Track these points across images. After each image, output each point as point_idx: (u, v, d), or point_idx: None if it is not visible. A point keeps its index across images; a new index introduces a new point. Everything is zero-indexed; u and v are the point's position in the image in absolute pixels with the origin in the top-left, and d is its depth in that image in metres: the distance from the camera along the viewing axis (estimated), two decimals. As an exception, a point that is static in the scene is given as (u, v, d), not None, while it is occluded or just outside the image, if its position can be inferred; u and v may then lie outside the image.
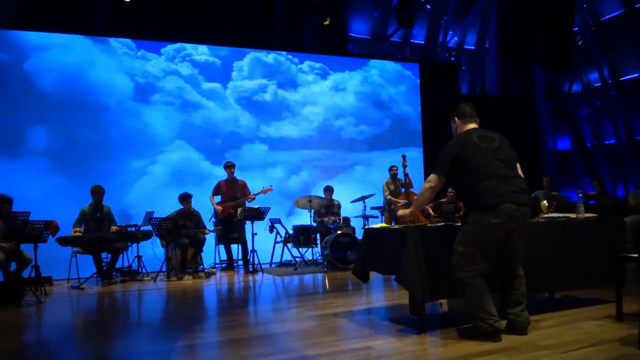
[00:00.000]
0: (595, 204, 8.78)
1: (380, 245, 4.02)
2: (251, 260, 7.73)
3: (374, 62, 11.16)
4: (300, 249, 8.33)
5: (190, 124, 9.28)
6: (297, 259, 8.28)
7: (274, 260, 8.54)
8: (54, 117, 8.43)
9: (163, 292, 6.26)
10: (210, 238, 8.14)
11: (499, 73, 14.36)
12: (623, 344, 3.12)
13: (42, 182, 8.15)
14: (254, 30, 10.55)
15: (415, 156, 10.82)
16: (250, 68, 9.93)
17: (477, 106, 3.75)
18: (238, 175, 8.39)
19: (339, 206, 8.83)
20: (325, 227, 8.37)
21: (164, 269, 7.44)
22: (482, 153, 3.37)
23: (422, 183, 3.78)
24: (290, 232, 8.37)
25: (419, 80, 11.38)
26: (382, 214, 8.54)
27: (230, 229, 8.05)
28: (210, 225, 8.14)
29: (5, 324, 4.62)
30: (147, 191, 8.80)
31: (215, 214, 8.17)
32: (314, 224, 8.47)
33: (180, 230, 7.47)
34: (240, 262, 8.23)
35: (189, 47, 9.51)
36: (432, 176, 3.55)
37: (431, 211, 7.93)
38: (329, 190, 8.81)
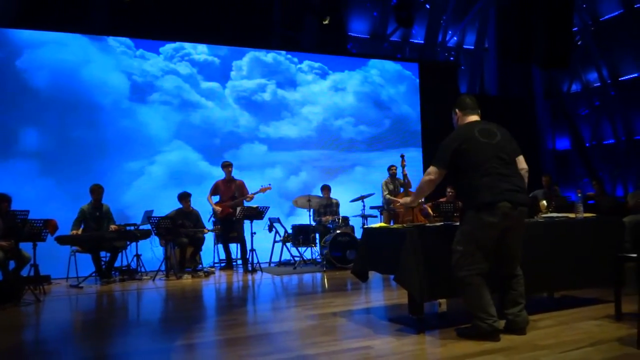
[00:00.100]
0: (594, 203, 8.79)
1: (379, 245, 4.02)
2: (250, 259, 7.73)
3: (373, 62, 11.15)
4: (299, 249, 8.33)
5: (188, 124, 9.26)
6: (296, 259, 8.28)
7: (273, 260, 8.54)
8: (47, 116, 8.31)
9: (162, 291, 6.26)
10: (210, 237, 8.13)
11: (498, 73, 14.38)
12: (622, 344, 3.12)
13: (34, 183, 8.01)
14: (253, 30, 10.54)
15: (415, 156, 10.81)
16: (250, 68, 9.92)
17: (476, 106, 3.74)
18: (237, 175, 8.39)
19: (337, 205, 8.83)
20: (324, 227, 8.37)
21: (163, 268, 7.44)
22: (483, 149, 3.34)
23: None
24: (290, 231, 8.37)
25: (418, 80, 11.38)
26: (381, 214, 8.54)
27: (229, 228, 8.04)
28: (209, 226, 8.13)
29: (4, 322, 4.61)
30: (145, 191, 8.75)
31: (214, 214, 8.16)
32: (313, 224, 8.47)
33: (179, 230, 7.46)
34: (240, 262, 8.23)
35: (188, 47, 9.49)
36: (431, 169, 3.50)
37: (430, 211, 7.94)
38: (326, 189, 8.81)
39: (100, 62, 8.77)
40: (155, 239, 7.62)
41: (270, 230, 8.30)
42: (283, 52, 10.26)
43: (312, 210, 8.45)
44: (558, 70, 14.09)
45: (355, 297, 5.45)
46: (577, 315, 3.96)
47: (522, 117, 12.91)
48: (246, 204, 8.06)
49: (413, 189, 7.63)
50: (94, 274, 7.03)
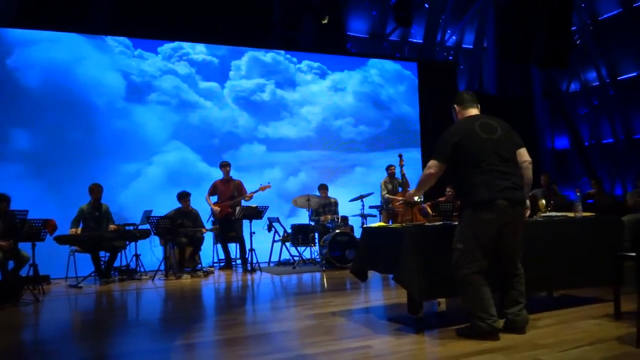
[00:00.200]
0: (593, 203, 8.79)
1: (378, 244, 4.02)
2: (249, 259, 7.73)
3: (373, 62, 11.15)
4: (298, 248, 8.33)
5: (187, 124, 9.23)
6: (296, 258, 8.28)
7: (272, 259, 8.54)
8: (40, 116, 8.20)
9: (161, 291, 6.25)
10: (209, 237, 8.13)
11: (497, 72, 14.37)
12: (621, 343, 3.12)
13: (24, 186, 7.82)
14: (252, 30, 10.52)
15: (415, 156, 10.80)
16: (248, 67, 9.90)
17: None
18: (235, 176, 8.37)
19: (336, 204, 8.83)
20: (324, 226, 8.37)
21: (162, 267, 7.43)
22: (483, 145, 3.32)
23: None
24: (289, 231, 8.37)
25: (417, 80, 11.38)
26: (380, 213, 8.54)
27: (228, 227, 8.04)
28: (209, 226, 8.12)
29: (3, 322, 4.60)
30: (142, 193, 8.69)
31: (213, 214, 8.15)
32: (312, 223, 8.46)
33: (179, 229, 7.46)
34: (239, 261, 8.23)
35: (187, 46, 9.48)
36: (432, 162, 3.46)
37: (429, 210, 7.95)
38: (323, 188, 8.80)
39: (97, 61, 8.70)
40: (154, 239, 7.61)
41: (269, 229, 8.30)
42: (282, 52, 10.26)
43: (310, 209, 8.45)
44: (557, 69, 14.10)
45: (354, 297, 5.45)
46: (576, 314, 3.96)
47: (521, 117, 12.89)
48: (245, 203, 8.05)
49: (411, 189, 7.64)
50: (93, 274, 7.02)
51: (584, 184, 14.68)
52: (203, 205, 8.16)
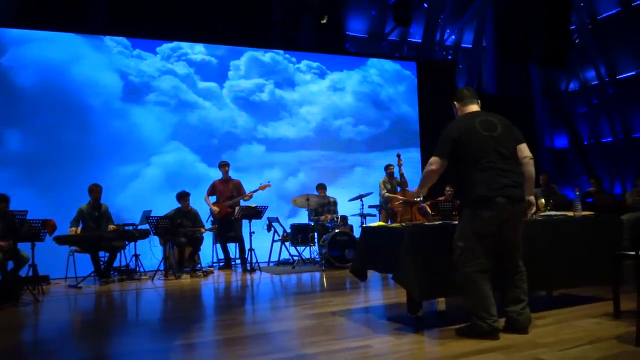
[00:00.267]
0: (593, 201, 8.80)
1: (378, 244, 4.02)
2: (249, 259, 7.72)
3: (372, 62, 11.13)
4: (298, 248, 8.32)
5: (185, 125, 9.19)
6: (295, 258, 8.28)
7: (271, 259, 8.54)
8: (35, 116, 8.11)
9: (161, 291, 6.25)
10: (208, 237, 8.12)
11: (496, 72, 14.38)
12: (620, 342, 3.13)
13: (19, 188, 7.58)
14: (251, 29, 10.52)
15: (414, 156, 10.80)
16: (247, 67, 9.88)
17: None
18: (235, 176, 8.36)
19: (335, 203, 8.82)
20: (323, 226, 8.37)
21: (162, 267, 7.43)
22: (483, 142, 3.31)
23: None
24: (288, 230, 8.37)
25: (417, 80, 11.38)
26: (379, 212, 8.54)
27: (228, 227, 8.03)
28: (208, 226, 8.11)
29: (2, 323, 4.60)
30: (141, 194, 8.63)
31: (212, 214, 8.14)
32: (311, 223, 8.46)
33: (178, 229, 7.46)
34: (238, 261, 8.22)
35: (185, 46, 9.46)
36: (433, 159, 3.46)
37: (428, 209, 7.95)
38: (321, 187, 8.78)
39: (94, 61, 8.65)
40: (154, 239, 7.60)
41: (269, 229, 8.29)
42: (281, 52, 10.24)
43: (310, 209, 8.44)
44: (556, 68, 14.10)
45: (354, 296, 5.45)
46: (575, 313, 3.97)
47: (520, 116, 12.81)
48: (245, 203, 8.04)
49: (410, 189, 7.65)
50: (92, 274, 7.02)
51: (583, 183, 14.68)
52: (202, 206, 8.14)
